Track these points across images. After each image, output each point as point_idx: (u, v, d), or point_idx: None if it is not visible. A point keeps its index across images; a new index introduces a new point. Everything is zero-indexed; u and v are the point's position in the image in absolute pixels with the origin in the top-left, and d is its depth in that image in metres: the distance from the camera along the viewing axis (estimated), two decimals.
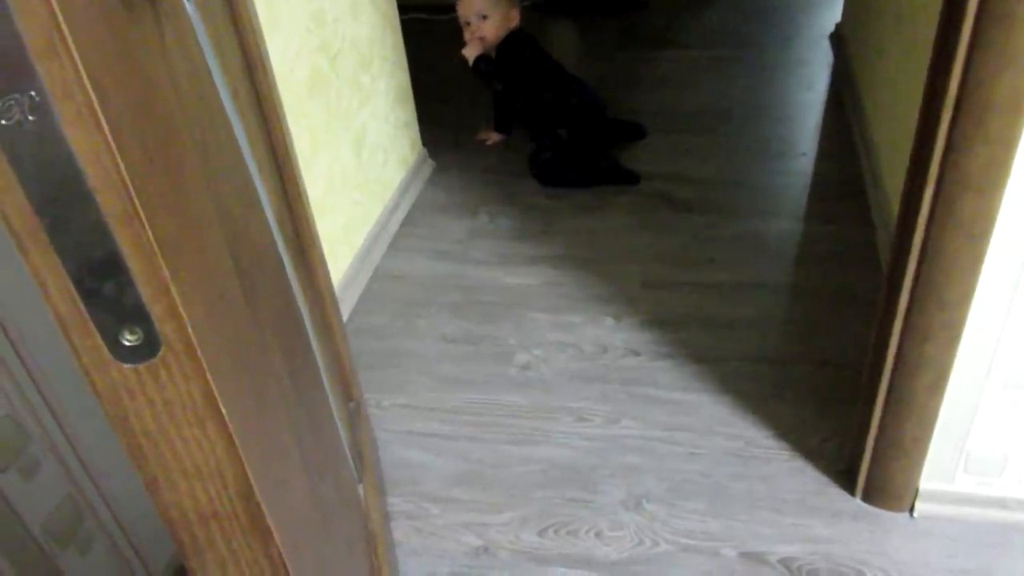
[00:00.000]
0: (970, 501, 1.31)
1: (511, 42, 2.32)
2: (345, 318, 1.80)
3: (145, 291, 0.35)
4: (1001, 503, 1.30)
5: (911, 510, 1.34)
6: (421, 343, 1.78)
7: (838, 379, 1.58)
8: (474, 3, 2.27)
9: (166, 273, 0.35)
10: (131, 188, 0.33)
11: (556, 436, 1.53)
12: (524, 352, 1.72)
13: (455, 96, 2.83)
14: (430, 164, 2.42)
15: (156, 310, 0.36)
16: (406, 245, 2.11)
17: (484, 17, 2.26)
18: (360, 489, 1.20)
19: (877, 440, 1.30)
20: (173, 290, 0.36)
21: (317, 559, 0.58)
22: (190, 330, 0.37)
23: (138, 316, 0.36)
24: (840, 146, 2.36)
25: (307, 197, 1.23)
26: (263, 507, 0.43)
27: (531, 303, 1.86)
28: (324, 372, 1.27)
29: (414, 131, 2.35)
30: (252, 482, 0.42)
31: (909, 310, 1.15)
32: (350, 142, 1.89)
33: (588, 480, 1.44)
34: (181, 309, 0.36)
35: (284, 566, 0.45)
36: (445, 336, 1.79)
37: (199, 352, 0.38)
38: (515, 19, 2.30)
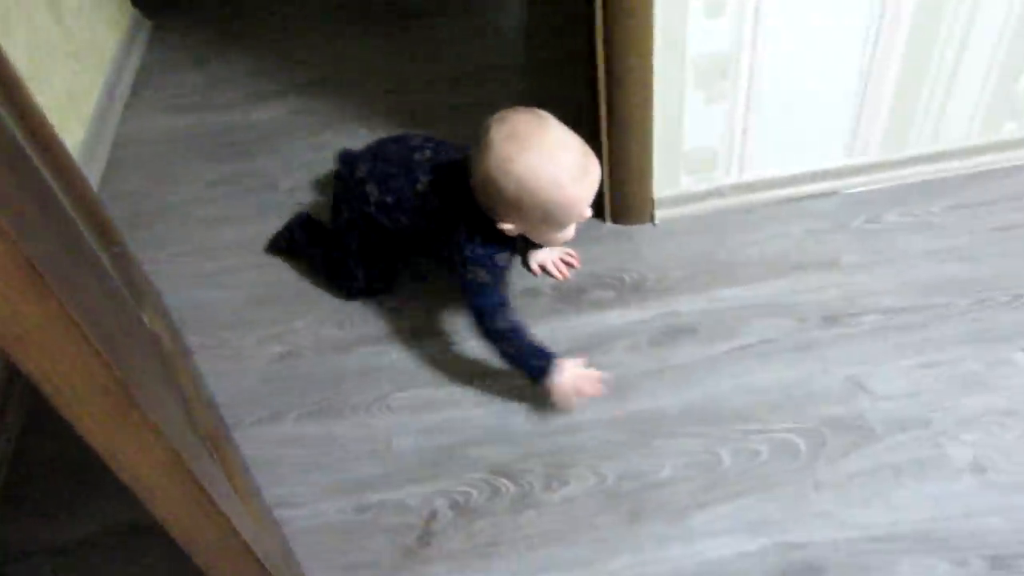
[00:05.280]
0: (695, 198, 1.51)
1: None
2: (96, 188, 1.74)
3: None
4: (718, 192, 1.51)
5: (652, 219, 1.52)
6: (184, 194, 1.75)
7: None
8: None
9: None
10: None
11: None
12: (287, 177, 1.75)
13: None
14: (147, 24, 2.29)
15: None
16: (142, 107, 2.03)
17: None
18: (144, 317, 1.22)
19: (611, 166, 1.45)
20: None
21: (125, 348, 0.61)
22: None
23: None
24: None
25: (12, 63, 1.17)
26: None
27: (284, 132, 1.87)
28: (79, 222, 1.25)
29: None
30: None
31: (606, 27, 1.27)
32: (45, 7, 1.76)
33: None
34: None
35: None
36: (207, 182, 1.77)
37: None
38: None
